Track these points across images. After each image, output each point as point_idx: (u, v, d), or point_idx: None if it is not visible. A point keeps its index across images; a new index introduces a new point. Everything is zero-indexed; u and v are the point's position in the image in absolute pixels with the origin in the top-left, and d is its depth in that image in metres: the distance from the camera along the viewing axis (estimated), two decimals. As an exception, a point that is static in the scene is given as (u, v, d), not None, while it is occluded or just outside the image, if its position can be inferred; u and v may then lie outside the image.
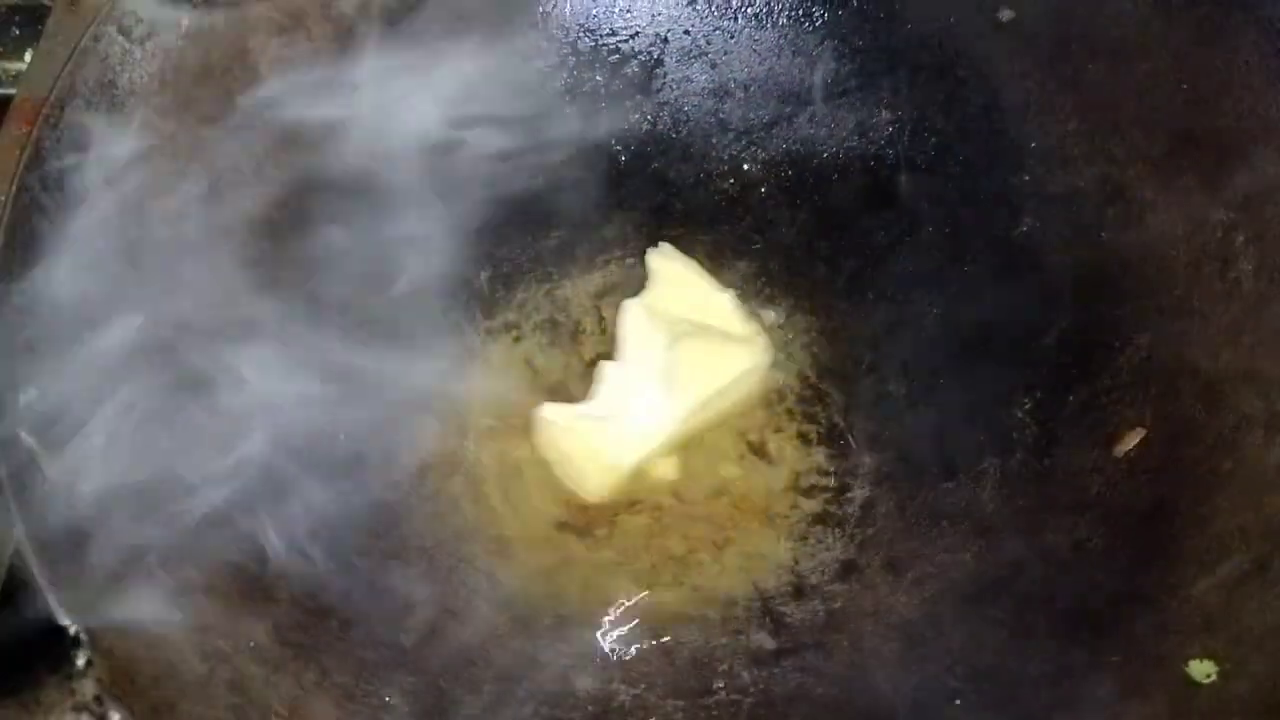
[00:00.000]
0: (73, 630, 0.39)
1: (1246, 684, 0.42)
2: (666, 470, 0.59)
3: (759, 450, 0.61)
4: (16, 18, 0.82)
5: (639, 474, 0.58)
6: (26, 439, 0.43)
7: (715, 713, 0.51)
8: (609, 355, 0.61)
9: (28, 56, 0.81)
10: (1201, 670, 0.43)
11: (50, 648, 0.38)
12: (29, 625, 0.39)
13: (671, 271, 0.63)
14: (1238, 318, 0.53)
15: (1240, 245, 0.53)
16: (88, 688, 0.38)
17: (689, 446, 0.60)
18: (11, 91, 0.74)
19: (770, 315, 0.64)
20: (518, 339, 0.64)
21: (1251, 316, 0.52)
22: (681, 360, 0.59)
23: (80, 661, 0.38)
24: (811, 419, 0.61)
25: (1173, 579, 0.48)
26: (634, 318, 0.61)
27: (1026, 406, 0.58)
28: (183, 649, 0.43)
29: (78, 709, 0.38)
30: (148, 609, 0.42)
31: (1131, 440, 0.53)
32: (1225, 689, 0.42)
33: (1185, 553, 0.49)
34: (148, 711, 0.38)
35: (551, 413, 0.59)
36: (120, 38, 0.52)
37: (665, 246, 0.65)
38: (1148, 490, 0.52)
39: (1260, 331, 0.52)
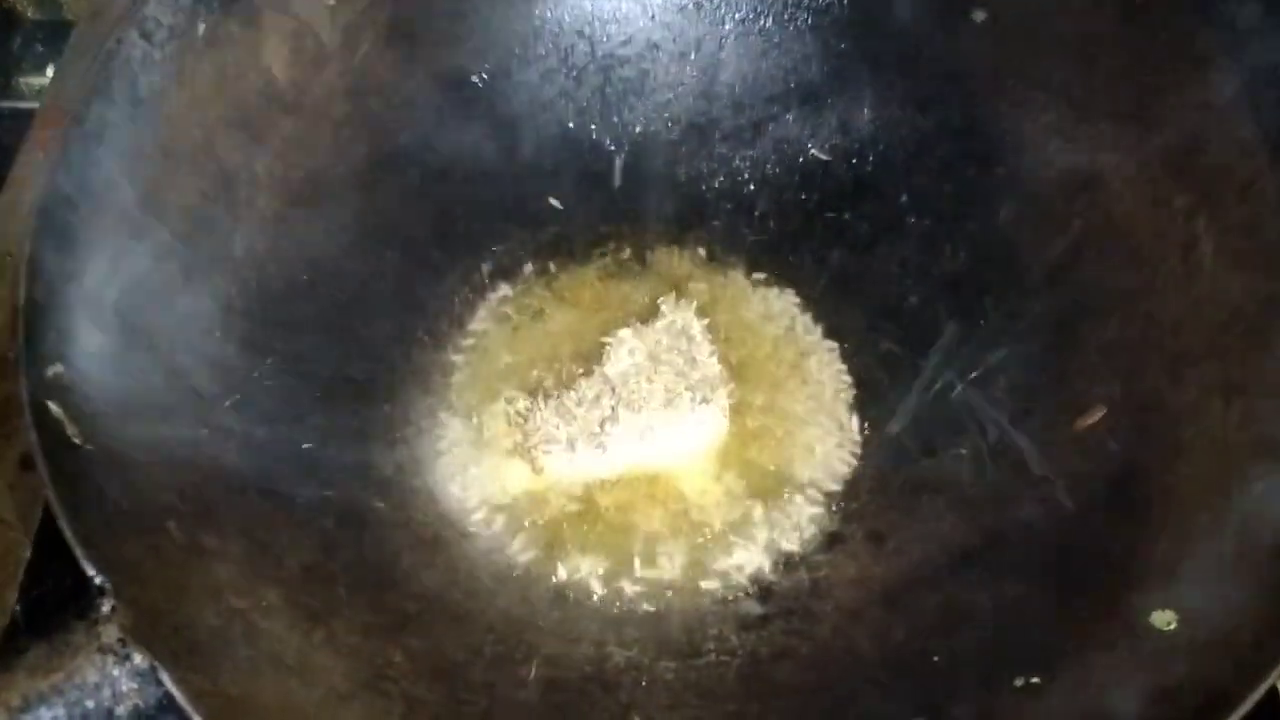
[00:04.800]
0: (98, 581, 0.41)
1: (1204, 631, 0.44)
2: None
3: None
4: (40, 34, 0.86)
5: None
6: (55, 409, 0.46)
7: (705, 673, 0.53)
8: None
9: (49, 72, 0.85)
10: (1163, 619, 0.46)
11: (78, 596, 0.41)
12: (59, 576, 0.42)
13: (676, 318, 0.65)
14: (1199, 297, 0.55)
15: (1201, 229, 0.56)
16: (112, 632, 0.40)
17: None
18: (34, 105, 0.79)
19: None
20: (516, 328, 0.67)
21: (1211, 295, 0.55)
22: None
23: (105, 608, 0.41)
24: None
25: (1138, 540, 0.50)
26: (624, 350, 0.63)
27: (1003, 385, 0.61)
28: (200, 605, 0.46)
29: (103, 651, 0.40)
30: (167, 562, 0.45)
31: (1093, 416, 0.55)
32: (1184, 635, 0.45)
33: (1151, 516, 0.51)
34: (167, 655, 0.41)
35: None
36: (142, 41, 0.55)
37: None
38: (1116, 459, 0.54)
39: (1220, 309, 0.54)
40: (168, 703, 0.41)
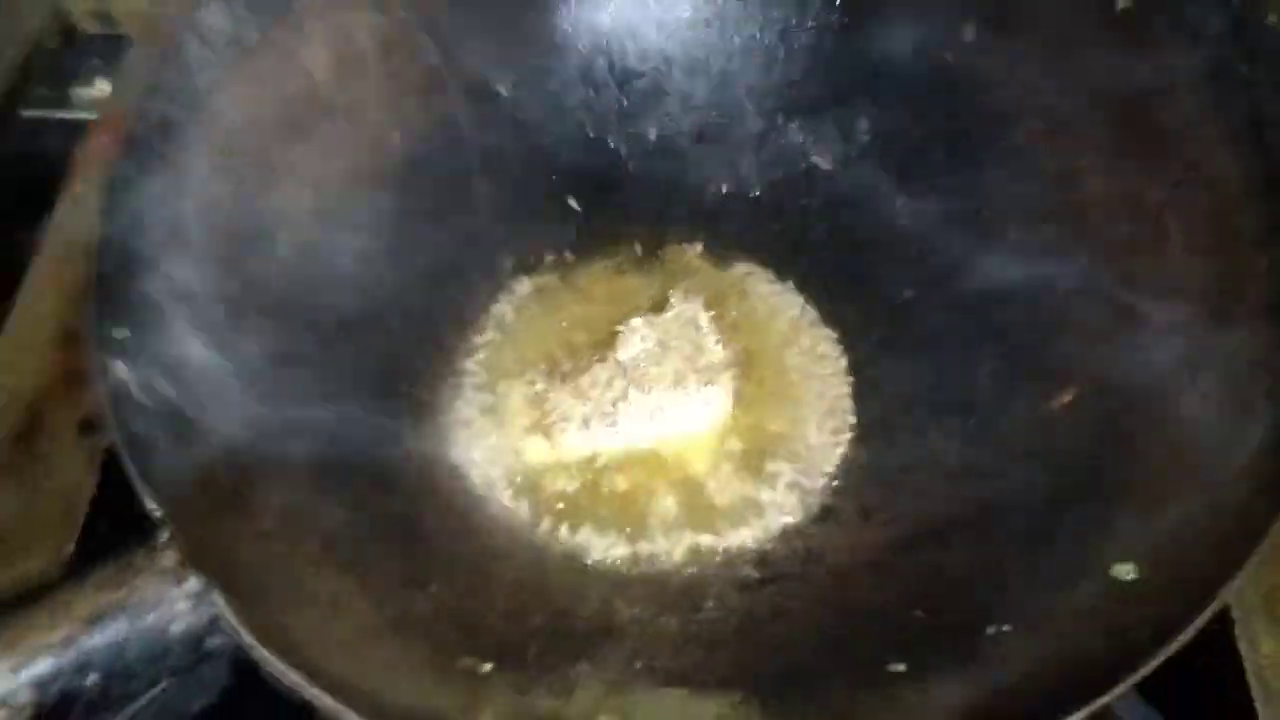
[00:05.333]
0: (157, 514, 0.46)
1: (1162, 580, 0.48)
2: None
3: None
4: (95, 46, 0.92)
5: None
6: (120, 366, 0.51)
7: (705, 626, 0.57)
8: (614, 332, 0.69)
9: (102, 84, 0.91)
10: (1124, 570, 0.50)
11: (139, 525, 0.46)
12: (123, 507, 0.47)
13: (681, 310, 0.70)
14: (1170, 283, 0.60)
15: (1170, 220, 0.60)
16: (169, 557, 0.45)
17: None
18: (84, 115, 0.85)
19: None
20: (535, 317, 0.72)
21: (1181, 280, 0.59)
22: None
23: (163, 537, 0.46)
24: (798, 388, 0.69)
25: (1108, 507, 0.54)
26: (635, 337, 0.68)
27: (987, 371, 0.65)
28: (245, 545, 0.50)
29: (162, 573, 0.45)
30: (216, 508, 0.50)
31: (1067, 395, 0.60)
32: (1144, 584, 0.49)
33: (1120, 486, 0.55)
34: (216, 581, 0.45)
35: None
36: (199, 45, 0.61)
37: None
38: (1090, 436, 0.59)
39: (1186, 293, 0.58)
40: (215, 624, 0.45)
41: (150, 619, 0.44)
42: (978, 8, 0.70)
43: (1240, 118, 0.58)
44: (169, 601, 0.45)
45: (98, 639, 0.43)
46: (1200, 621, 0.43)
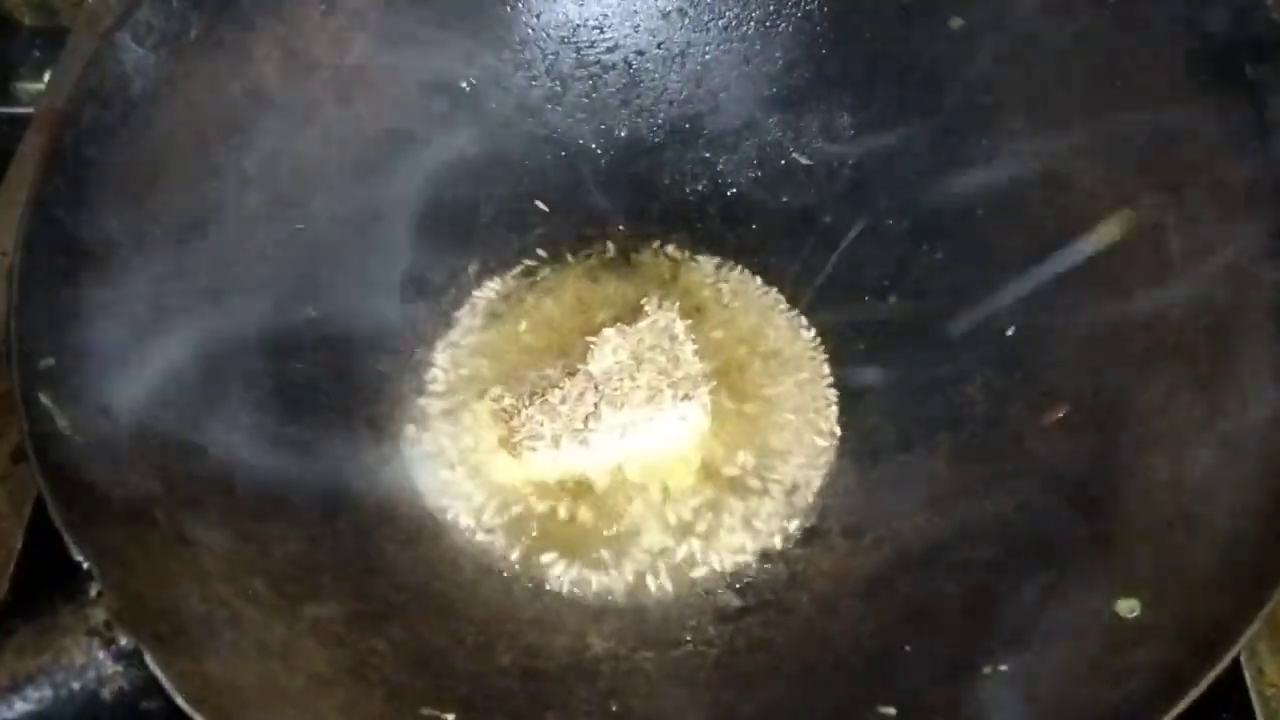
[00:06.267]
0: (85, 565, 0.42)
1: (1165, 617, 0.45)
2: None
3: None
4: (37, 40, 0.88)
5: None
6: (45, 400, 0.47)
7: (683, 662, 0.54)
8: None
9: (46, 77, 0.86)
10: (1127, 606, 0.47)
11: (67, 580, 0.42)
12: (49, 565, 0.43)
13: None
14: (1169, 294, 0.57)
15: (1170, 225, 0.57)
16: (98, 615, 0.41)
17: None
18: (31, 110, 0.80)
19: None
20: (502, 328, 0.68)
21: (1178, 290, 0.56)
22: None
23: (92, 593, 0.42)
24: (779, 400, 0.66)
25: (1105, 531, 0.51)
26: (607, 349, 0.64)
27: (977, 384, 0.62)
28: (186, 591, 0.46)
29: (89, 634, 0.41)
30: (153, 549, 0.46)
31: (1058, 413, 0.57)
32: (1147, 621, 0.46)
33: (1119, 508, 0.52)
34: (151, 639, 0.42)
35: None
36: (134, 44, 0.56)
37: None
38: (1086, 453, 0.56)
39: (1187, 303, 0.55)
40: (152, 685, 0.42)
41: (77, 685, 0.41)
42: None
43: (1244, 119, 0.55)
44: (98, 664, 0.41)
45: (16, 710, 0.40)
46: (1213, 674, 0.40)
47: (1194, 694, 0.39)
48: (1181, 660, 0.42)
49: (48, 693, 0.40)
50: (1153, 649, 0.44)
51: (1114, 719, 0.41)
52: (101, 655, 0.41)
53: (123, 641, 0.41)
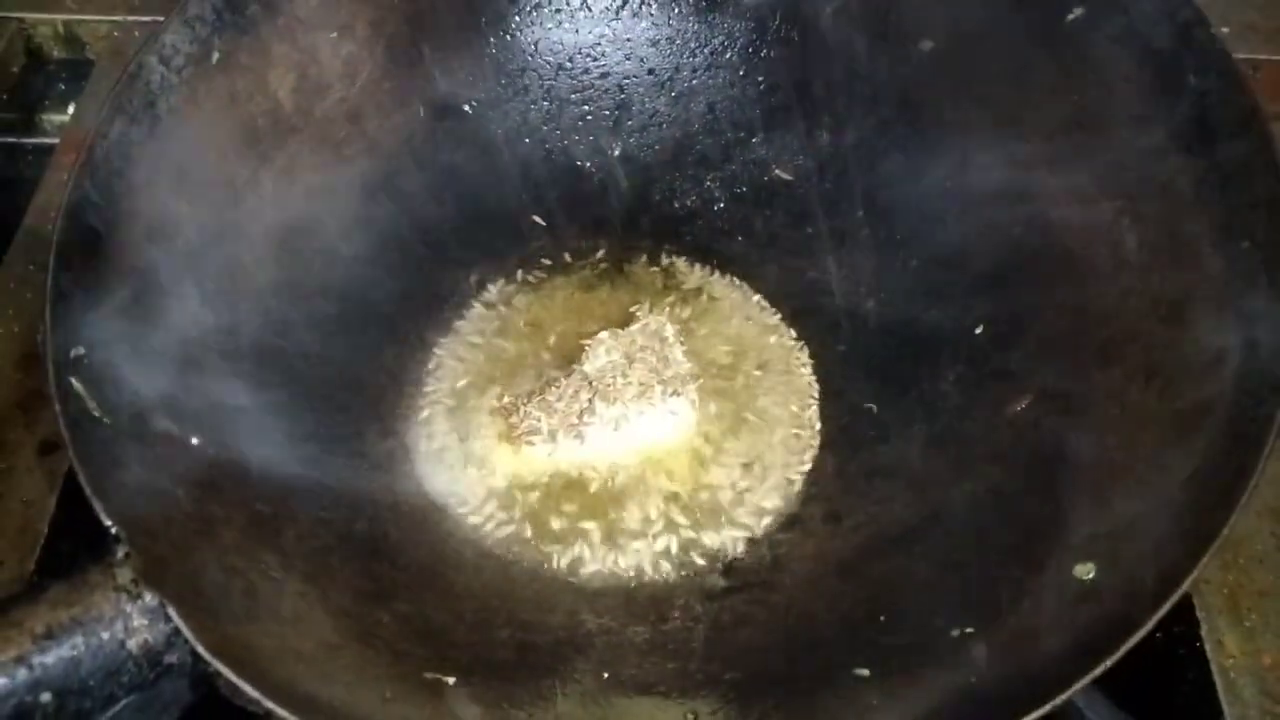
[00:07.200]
0: (113, 530, 0.46)
1: (1117, 576, 0.49)
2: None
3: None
4: (63, 73, 0.92)
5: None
6: (77, 385, 0.51)
7: (672, 636, 0.57)
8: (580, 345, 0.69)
9: (70, 109, 0.91)
10: (1084, 570, 0.50)
11: (96, 542, 0.46)
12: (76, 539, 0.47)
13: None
14: (1125, 288, 0.60)
15: (1125, 227, 0.61)
16: (126, 574, 0.45)
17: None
18: (57, 141, 0.85)
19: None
20: (501, 332, 0.72)
21: (1136, 286, 0.60)
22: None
23: (119, 554, 0.45)
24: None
25: (1066, 508, 0.55)
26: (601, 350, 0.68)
27: (951, 379, 0.66)
28: (204, 561, 0.50)
29: (117, 590, 0.44)
30: (175, 523, 0.49)
31: (1021, 402, 0.60)
32: (1101, 581, 0.49)
33: (1078, 486, 0.56)
34: (174, 598, 0.45)
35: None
36: (160, 66, 0.61)
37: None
38: (1050, 440, 0.59)
39: (1144, 297, 0.59)
40: (175, 639, 0.45)
41: (106, 635, 0.44)
42: (933, 22, 0.71)
43: (1189, 124, 0.59)
44: (125, 617, 0.44)
45: (51, 656, 0.43)
46: (1158, 616, 0.43)
47: (1140, 634, 0.43)
48: (1131, 611, 0.45)
49: (79, 641, 0.43)
50: (1106, 603, 0.47)
51: (1072, 663, 0.44)
52: (129, 609, 0.44)
53: (148, 598, 0.45)
